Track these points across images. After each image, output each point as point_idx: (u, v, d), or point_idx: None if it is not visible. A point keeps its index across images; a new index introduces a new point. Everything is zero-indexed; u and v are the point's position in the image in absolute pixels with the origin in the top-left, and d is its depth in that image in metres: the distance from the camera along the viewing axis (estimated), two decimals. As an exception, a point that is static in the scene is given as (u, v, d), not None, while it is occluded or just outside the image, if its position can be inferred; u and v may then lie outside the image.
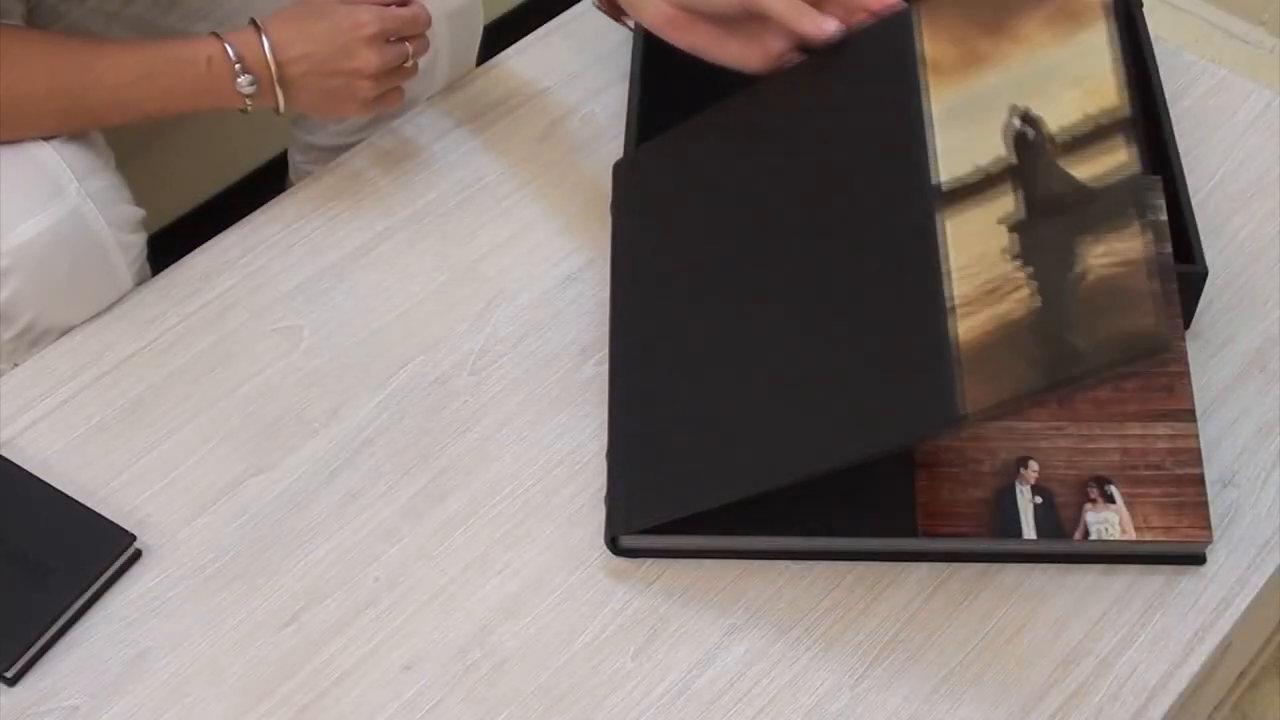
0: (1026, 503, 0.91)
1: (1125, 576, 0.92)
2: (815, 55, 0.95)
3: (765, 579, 0.92)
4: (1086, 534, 0.90)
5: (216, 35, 1.02)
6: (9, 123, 0.98)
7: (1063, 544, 0.91)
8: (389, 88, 1.08)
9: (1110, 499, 0.91)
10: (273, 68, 1.02)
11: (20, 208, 0.98)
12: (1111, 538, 0.90)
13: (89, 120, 1.02)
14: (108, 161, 1.06)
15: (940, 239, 0.86)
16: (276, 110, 1.05)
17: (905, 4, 0.94)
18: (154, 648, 0.89)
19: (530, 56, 1.25)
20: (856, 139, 0.93)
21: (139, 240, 1.07)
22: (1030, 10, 0.89)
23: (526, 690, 0.88)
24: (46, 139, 1.00)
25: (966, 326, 0.82)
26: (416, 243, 1.11)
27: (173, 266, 1.09)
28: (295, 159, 1.40)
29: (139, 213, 1.07)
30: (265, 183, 1.44)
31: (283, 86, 1.03)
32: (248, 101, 1.03)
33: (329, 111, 1.09)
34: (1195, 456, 0.92)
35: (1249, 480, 0.97)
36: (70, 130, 1.02)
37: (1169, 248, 0.99)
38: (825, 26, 0.93)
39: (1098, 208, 0.81)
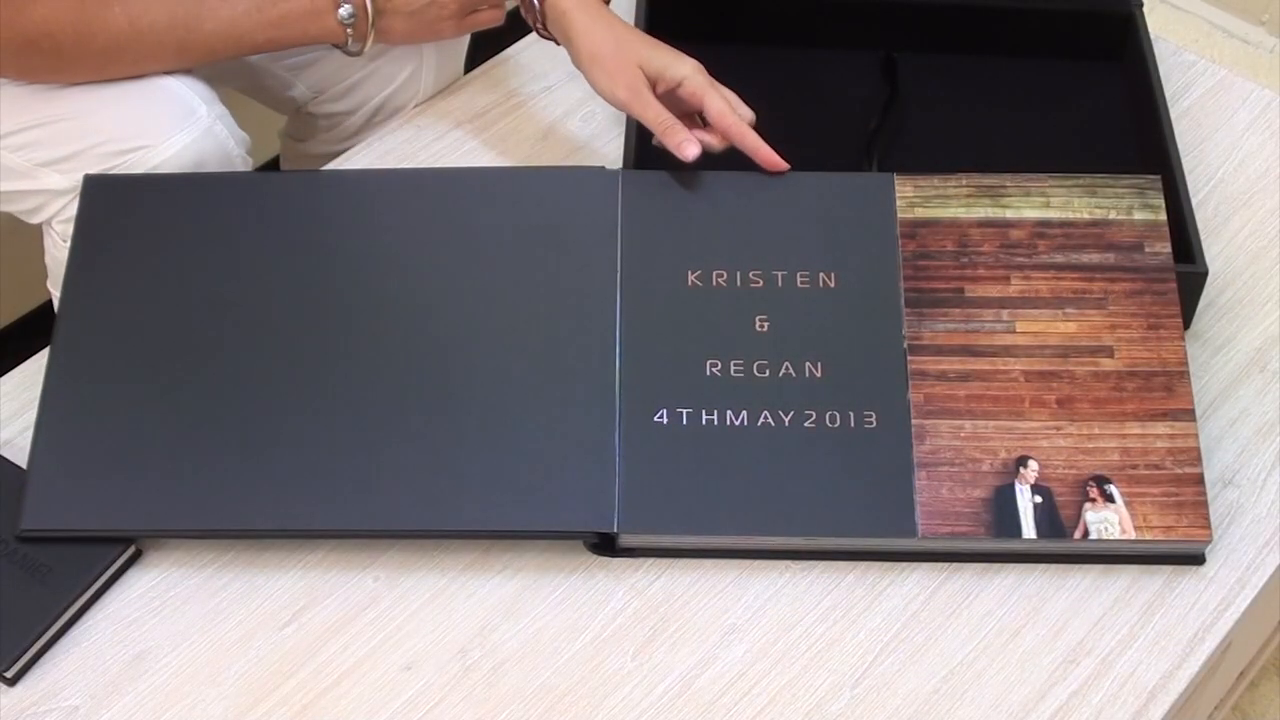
0: (1026, 502, 0.91)
1: (1125, 576, 0.92)
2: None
3: (765, 579, 0.92)
4: (1086, 533, 0.90)
5: None
6: (132, 55, 1.06)
7: (1063, 544, 0.91)
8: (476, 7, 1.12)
9: (1110, 498, 0.91)
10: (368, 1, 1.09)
11: (164, 125, 1.07)
12: (1111, 537, 0.90)
13: (204, 53, 1.08)
14: (218, 95, 1.12)
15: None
16: (363, 46, 1.11)
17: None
18: (154, 648, 0.89)
19: (530, 56, 1.25)
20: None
21: (250, 163, 1.14)
22: None
23: (526, 690, 0.88)
24: (166, 74, 1.09)
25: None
26: (416, 243, 1.11)
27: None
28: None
29: (248, 139, 1.13)
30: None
31: (376, 15, 1.09)
32: (348, 32, 1.09)
33: (424, 35, 1.14)
34: (1195, 456, 0.92)
35: (1249, 480, 0.97)
36: (186, 64, 1.09)
37: (1169, 248, 0.99)
38: (687, 152, 1.00)
39: None
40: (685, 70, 1.02)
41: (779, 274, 0.98)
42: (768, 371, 0.95)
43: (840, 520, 0.91)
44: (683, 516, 0.91)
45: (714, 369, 0.95)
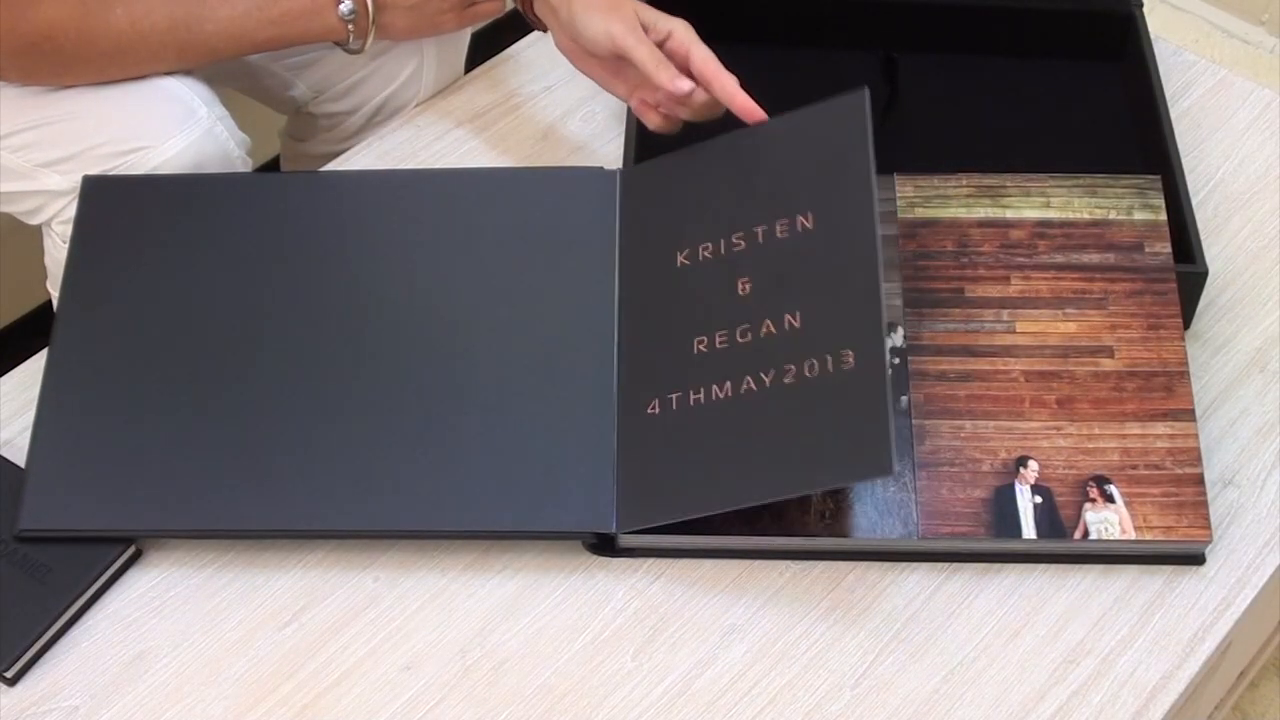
0: (1026, 502, 0.91)
1: (1125, 576, 0.92)
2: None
3: (765, 579, 0.92)
4: (1086, 534, 0.90)
5: None
6: (134, 57, 1.06)
7: (1063, 544, 0.91)
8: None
9: (1110, 499, 0.91)
10: None
11: (163, 127, 1.07)
12: (1111, 537, 0.90)
13: (205, 54, 1.08)
14: (218, 96, 1.12)
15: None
16: (364, 44, 1.11)
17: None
18: (154, 648, 0.89)
19: (530, 56, 1.25)
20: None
21: (250, 164, 1.14)
22: None
23: (526, 690, 0.88)
24: (166, 74, 1.08)
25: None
26: (416, 243, 1.11)
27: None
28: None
29: (249, 141, 1.13)
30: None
31: (377, 11, 1.09)
32: (349, 29, 1.09)
33: (425, 30, 1.13)
34: (1195, 456, 0.92)
35: (1249, 480, 0.97)
36: (187, 65, 1.09)
37: (1169, 248, 0.99)
38: (680, 85, 0.99)
39: None
40: (675, 24, 1.02)
41: (759, 229, 0.96)
42: (750, 335, 0.93)
43: (821, 468, 0.87)
44: (676, 509, 0.90)
45: (700, 346, 0.93)
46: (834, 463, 0.87)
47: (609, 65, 1.05)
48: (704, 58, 1.00)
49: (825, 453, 0.87)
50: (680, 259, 0.97)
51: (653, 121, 1.04)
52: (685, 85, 0.99)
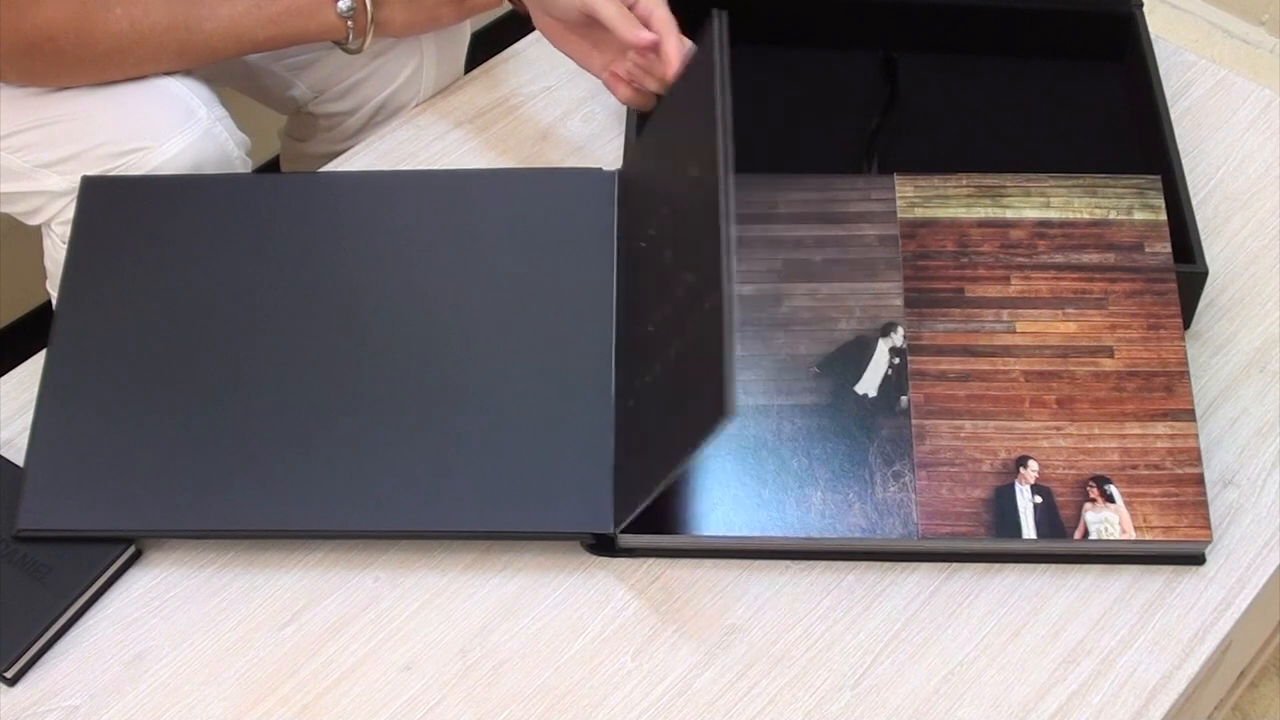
0: (1026, 502, 0.91)
1: (1125, 576, 0.92)
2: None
3: (765, 579, 0.92)
4: (1086, 534, 0.90)
5: None
6: (133, 58, 1.05)
7: (1063, 544, 0.91)
8: None
9: (1110, 498, 0.91)
10: None
11: (162, 127, 1.07)
12: (1111, 537, 0.90)
13: (205, 53, 1.08)
14: (218, 96, 1.12)
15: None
16: (363, 42, 1.11)
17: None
18: (154, 648, 0.89)
19: (530, 56, 1.25)
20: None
21: (250, 164, 1.14)
22: None
23: (526, 690, 0.88)
24: (166, 75, 1.09)
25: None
26: (416, 243, 1.11)
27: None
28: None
29: (248, 141, 1.14)
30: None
31: (375, 7, 1.09)
32: (348, 25, 1.09)
33: (424, 24, 1.14)
34: (1195, 456, 0.92)
35: (1249, 480, 0.97)
36: (187, 64, 1.09)
37: (1169, 248, 0.99)
38: (641, 35, 1.01)
39: None
40: None
41: (669, 191, 0.95)
42: (669, 304, 0.91)
43: (696, 424, 0.82)
44: (636, 500, 0.88)
45: (649, 327, 0.93)
46: (699, 417, 0.81)
47: (587, 38, 1.06)
48: (663, 19, 1.02)
49: (695, 408, 0.83)
50: (641, 245, 0.97)
51: (623, 94, 1.05)
52: (646, 35, 1.01)
